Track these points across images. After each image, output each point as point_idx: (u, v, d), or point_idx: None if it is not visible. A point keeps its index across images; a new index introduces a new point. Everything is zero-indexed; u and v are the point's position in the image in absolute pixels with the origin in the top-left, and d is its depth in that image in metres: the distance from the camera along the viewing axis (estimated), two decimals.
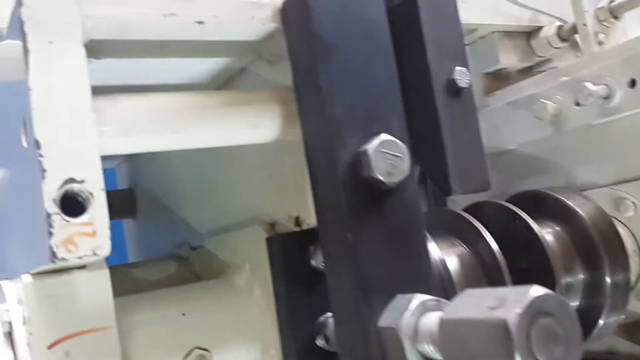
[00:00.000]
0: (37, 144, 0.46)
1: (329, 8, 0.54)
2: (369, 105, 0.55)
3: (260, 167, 0.71)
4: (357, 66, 0.55)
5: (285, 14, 0.57)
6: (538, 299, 0.42)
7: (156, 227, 1.08)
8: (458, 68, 0.80)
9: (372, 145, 0.53)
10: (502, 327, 0.40)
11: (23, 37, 0.48)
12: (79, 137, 0.47)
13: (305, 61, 0.56)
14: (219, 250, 0.80)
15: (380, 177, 0.53)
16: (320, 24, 0.54)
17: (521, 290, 0.42)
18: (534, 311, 0.41)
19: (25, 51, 0.47)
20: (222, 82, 0.73)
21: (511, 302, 0.42)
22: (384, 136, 0.54)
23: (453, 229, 0.77)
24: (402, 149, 0.54)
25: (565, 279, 0.80)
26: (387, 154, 0.53)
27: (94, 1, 0.50)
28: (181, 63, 0.66)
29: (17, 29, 0.48)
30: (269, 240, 0.66)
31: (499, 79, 1.02)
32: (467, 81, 0.80)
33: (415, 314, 0.50)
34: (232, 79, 0.72)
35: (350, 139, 0.54)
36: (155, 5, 0.53)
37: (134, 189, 1.13)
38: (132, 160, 1.13)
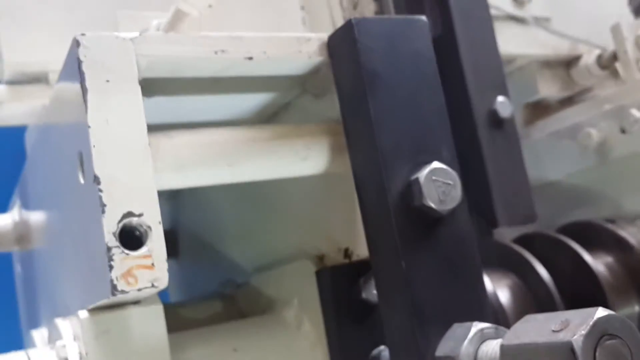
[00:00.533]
0: (96, 180, 0.47)
1: (377, 40, 0.55)
2: (419, 135, 0.55)
3: (306, 200, 0.71)
4: (406, 97, 0.56)
5: (332, 47, 0.58)
6: (603, 320, 0.41)
7: (197, 265, 1.08)
8: (499, 98, 0.80)
9: (423, 174, 0.53)
10: (568, 350, 0.40)
11: (81, 77, 0.49)
12: (136, 172, 0.48)
13: (353, 93, 0.56)
14: (266, 286, 0.80)
15: (432, 205, 0.53)
16: (368, 56, 0.55)
17: (585, 312, 0.42)
18: (600, 332, 0.41)
19: (84, 90, 0.49)
20: (265, 118, 0.74)
21: (575, 324, 0.41)
22: (435, 164, 0.54)
23: (504, 261, 0.76)
24: (453, 176, 0.54)
25: (621, 311, 0.78)
26: (438, 182, 0.53)
27: (149, 40, 0.52)
28: (226, 100, 0.67)
29: (74, 68, 0.50)
30: (319, 274, 0.65)
31: (539, 109, 1.02)
32: (509, 111, 0.80)
33: (474, 342, 0.49)
34: (276, 114, 0.73)
35: (400, 169, 0.54)
36: (207, 42, 0.54)
37: (174, 229, 1.14)
38: (172, 200, 1.14)
